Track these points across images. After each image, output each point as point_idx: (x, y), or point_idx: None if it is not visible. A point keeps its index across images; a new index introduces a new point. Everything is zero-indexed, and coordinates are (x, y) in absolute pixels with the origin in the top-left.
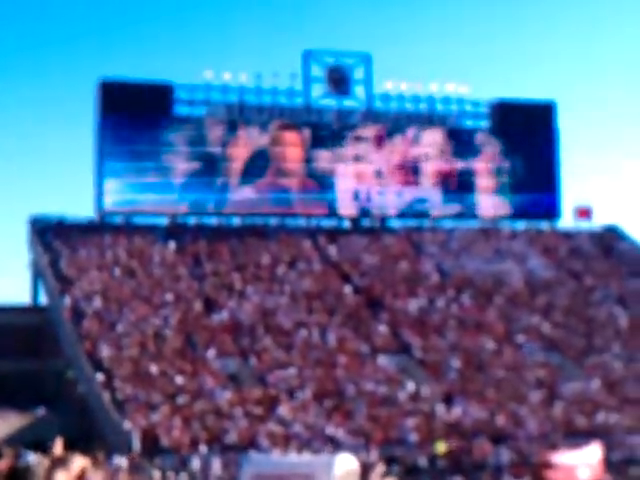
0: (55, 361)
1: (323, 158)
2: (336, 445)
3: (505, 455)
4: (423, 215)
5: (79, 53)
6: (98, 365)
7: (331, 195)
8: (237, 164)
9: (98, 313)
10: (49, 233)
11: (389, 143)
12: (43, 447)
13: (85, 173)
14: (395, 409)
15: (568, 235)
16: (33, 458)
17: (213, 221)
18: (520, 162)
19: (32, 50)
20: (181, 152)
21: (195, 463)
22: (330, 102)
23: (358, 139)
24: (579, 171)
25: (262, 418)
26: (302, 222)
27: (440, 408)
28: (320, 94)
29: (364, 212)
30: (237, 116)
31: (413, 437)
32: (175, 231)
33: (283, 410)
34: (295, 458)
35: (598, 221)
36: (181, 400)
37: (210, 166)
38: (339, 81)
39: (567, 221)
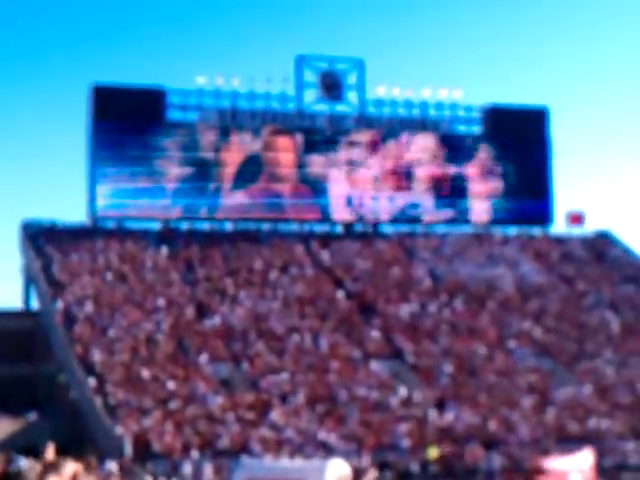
0: (47, 366)
1: (316, 163)
2: (328, 450)
3: (497, 460)
4: (416, 220)
5: (72, 58)
6: (90, 370)
7: (324, 200)
8: (230, 169)
9: (90, 318)
10: (41, 238)
11: (383, 148)
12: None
13: (77, 178)
14: (387, 414)
15: (560, 240)
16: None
17: (205, 226)
18: (512, 167)
19: (24, 55)
20: (174, 157)
21: (187, 468)
22: (323, 107)
23: (352, 144)
24: (571, 177)
25: (254, 423)
26: (295, 227)
27: (432, 413)
28: (313, 99)
29: (357, 217)
30: (230, 121)
31: (405, 442)
32: (167, 236)
33: (275, 415)
34: (287, 463)
35: (590, 227)
36: (173, 405)
37: (203, 171)
38: (332, 86)
39: (559, 226)
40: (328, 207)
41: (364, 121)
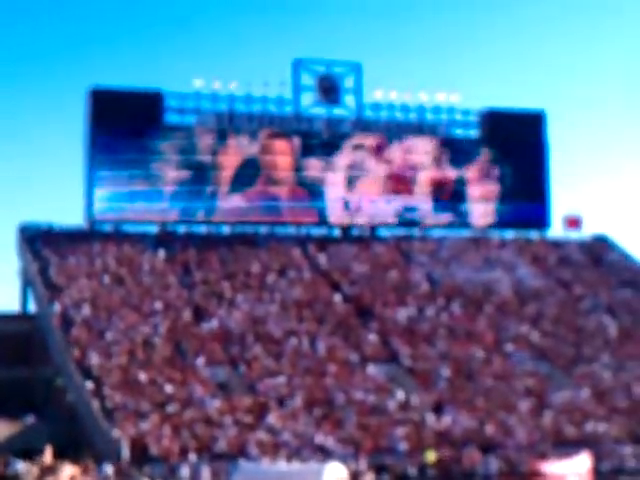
0: (44, 369)
1: (313, 166)
2: (326, 454)
3: (494, 464)
4: (415, 224)
5: (70, 61)
6: (87, 373)
7: (321, 203)
8: (227, 172)
9: (87, 321)
10: (38, 241)
11: (383, 152)
12: (32, 455)
13: (75, 181)
14: (385, 418)
15: (557, 244)
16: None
17: (203, 229)
18: (510, 171)
19: (22, 58)
20: (171, 160)
21: (184, 472)
22: (320, 111)
23: (357, 147)
24: (569, 180)
25: (252, 426)
26: (292, 230)
27: (430, 417)
28: (310, 103)
29: (354, 221)
30: (227, 124)
31: (403, 446)
32: (165, 239)
33: (272, 418)
34: (284, 467)
35: (587, 230)
36: (170, 408)
37: (200, 174)
38: (329, 90)
39: (557, 230)
40: (325, 210)
41: (361, 125)
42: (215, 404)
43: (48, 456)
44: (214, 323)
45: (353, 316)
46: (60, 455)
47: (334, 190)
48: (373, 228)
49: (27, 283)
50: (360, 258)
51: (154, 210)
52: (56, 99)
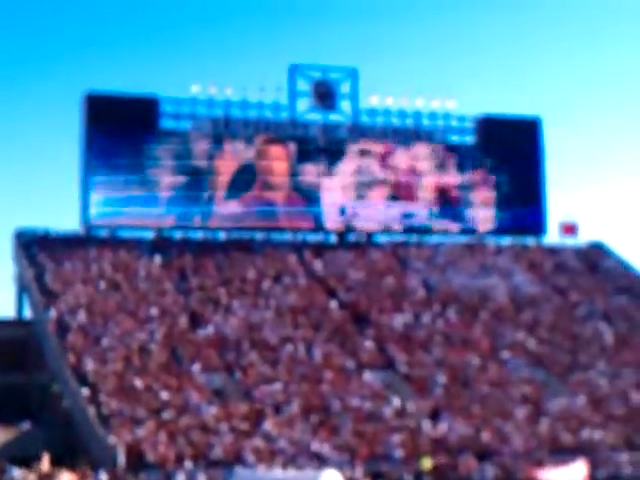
0: (40, 375)
1: (309, 172)
2: (322, 461)
3: (490, 471)
4: (419, 231)
5: (66, 66)
6: (83, 379)
7: (317, 209)
8: (223, 178)
9: (83, 327)
10: (34, 246)
11: (386, 158)
12: (28, 461)
13: (71, 186)
14: (381, 425)
15: (553, 251)
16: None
17: (199, 235)
18: (506, 177)
19: (18, 62)
20: (167, 166)
21: (180, 478)
22: (316, 116)
23: (358, 153)
24: (564, 187)
25: (247, 433)
26: (288, 237)
27: (426, 424)
28: (306, 108)
29: (349, 227)
30: (223, 130)
31: (399, 453)
32: (161, 245)
33: (269, 425)
34: (280, 474)
35: (584, 237)
36: (166, 415)
37: (196, 180)
38: (325, 95)
39: (553, 237)
40: (321, 216)
41: (357, 130)
42: (211, 411)
43: (45, 463)
44: (210, 329)
45: (349, 323)
46: (56, 461)
47: (331, 196)
48: (369, 234)
49: (23, 289)
50: (356, 264)
51: (150, 215)
52: (52, 104)
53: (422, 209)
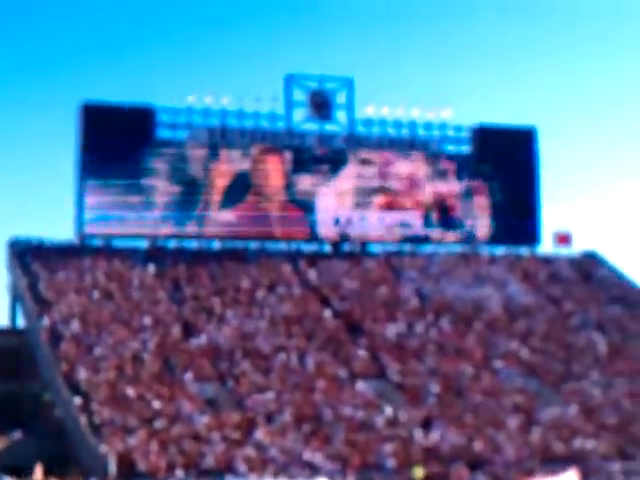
0: (32, 384)
1: (305, 182)
2: (313, 470)
3: None
4: (418, 240)
5: (62, 75)
6: (75, 388)
7: (312, 218)
8: (218, 188)
9: (76, 336)
10: (28, 255)
11: (384, 167)
12: (20, 470)
13: (66, 195)
14: (373, 434)
15: (547, 261)
16: None
17: (193, 245)
18: (501, 187)
19: (13, 72)
20: (162, 175)
21: None
22: (312, 126)
23: (357, 163)
24: (559, 197)
25: (239, 442)
26: (282, 246)
27: (418, 433)
28: (302, 118)
29: (343, 237)
30: (219, 139)
31: (391, 462)
32: (155, 254)
33: (260, 434)
34: None
35: (577, 247)
36: (158, 424)
37: (191, 189)
38: (321, 105)
39: (547, 247)
40: (316, 225)
41: (353, 140)
42: (203, 420)
43: (38, 473)
44: (203, 339)
45: (342, 332)
46: (48, 470)
47: (326, 205)
48: (363, 244)
49: (16, 298)
50: (350, 274)
51: (145, 225)
52: (48, 113)
53: (418, 219)
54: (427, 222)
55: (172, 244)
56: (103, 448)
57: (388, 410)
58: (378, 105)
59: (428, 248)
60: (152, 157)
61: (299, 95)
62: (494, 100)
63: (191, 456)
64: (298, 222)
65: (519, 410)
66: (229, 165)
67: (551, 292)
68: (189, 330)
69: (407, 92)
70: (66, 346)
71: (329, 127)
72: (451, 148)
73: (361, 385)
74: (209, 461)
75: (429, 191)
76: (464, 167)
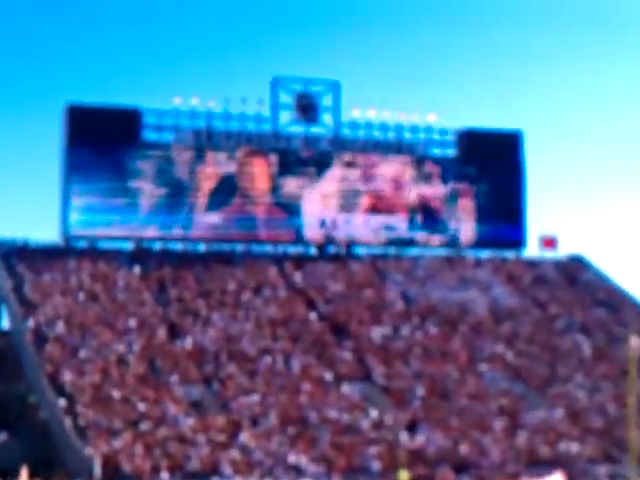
0: (17, 385)
1: (290, 185)
2: (299, 472)
3: None
4: (402, 243)
5: (47, 77)
6: (60, 390)
7: (297, 221)
8: (204, 190)
9: (61, 338)
10: (13, 257)
11: (368, 170)
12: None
13: (51, 197)
14: (358, 437)
15: (533, 264)
16: None
17: (178, 247)
18: (486, 191)
19: None
20: (148, 178)
21: None
22: (298, 129)
23: (341, 166)
24: (544, 200)
25: (225, 445)
26: (268, 249)
27: (403, 436)
28: (288, 121)
29: (329, 239)
30: (205, 142)
31: (376, 465)
32: (140, 256)
33: (246, 437)
34: None
35: (563, 250)
36: (143, 426)
37: (177, 192)
38: (307, 108)
39: (532, 250)
40: (301, 228)
41: (339, 143)
42: (188, 422)
43: (24, 475)
44: (188, 341)
45: (328, 334)
46: (32, 472)
47: (311, 208)
48: (349, 246)
49: (1, 299)
50: (336, 276)
51: (130, 227)
52: (33, 115)
53: (403, 221)
54: (412, 225)
55: (158, 246)
56: (88, 450)
57: (373, 413)
58: (364, 108)
59: (413, 251)
60: (138, 159)
61: (285, 98)
62: (480, 104)
63: (176, 458)
64: (284, 225)
65: (504, 413)
66: (215, 167)
67: (536, 295)
68: (174, 332)
69: (393, 95)
70: (51, 348)
71: (315, 130)
72: (437, 151)
73: (346, 388)
74: (194, 464)
75: (414, 194)
76: (449, 170)
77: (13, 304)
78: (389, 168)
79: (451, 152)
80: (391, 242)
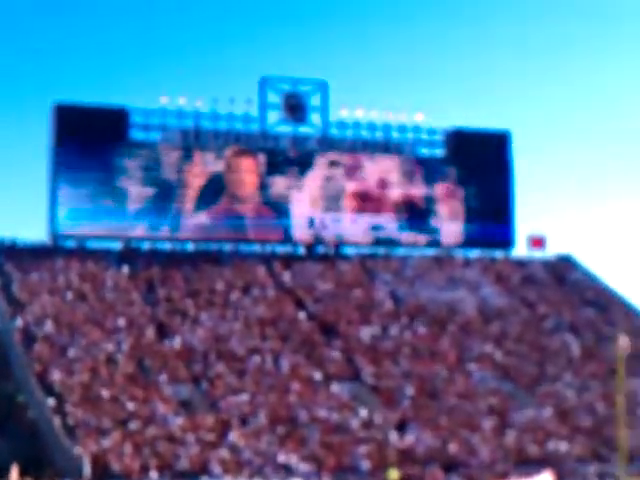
0: (6, 385)
1: (279, 184)
2: (288, 472)
3: None
4: (388, 243)
5: (34, 76)
6: (49, 389)
7: (286, 221)
8: (192, 190)
9: (49, 337)
10: (1, 256)
11: (354, 170)
12: None
13: (39, 196)
14: (348, 436)
15: (521, 264)
16: None
17: (167, 246)
18: (475, 190)
19: None
20: (136, 177)
21: None
22: (286, 129)
23: (327, 165)
24: (533, 200)
25: (214, 444)
26: (257, 248)
27: (393, 435)
28: (276, 120)
29: (317, 239)
30: (192, 141)
31: (365, 464)
32: (128, 256)
33: (235, 436)
34: None
35: (551, 250)
36: (132, 426)
37: (165, 191)
38: (295, 108)
39: (521, 250)
40: (290, 228)
41: (327, 143)
42: (177, 422)
43: (14, 475)
44: (177, 340)
45: (317, 334)
46: (21, 472)
47: (299, 208)
48: (337, 246)
49: None
50: (324, 276)
51: (118, 226)
52: (20, 114)
53: (390, 221)
54: (400, 225)
55: (146, 245)
56: (77, 450)
57: (363, 412)
58: (352, 108)
59: (401, 251)
60: (125, 158)
61: (273, 97)
62: (469, 104)
63: (165, 458)
64: (272, 224)
65: (493, 412)
66: (203, 167)
67: (525, 295)
68: (163, 332)
69: (381, 95)
70: (39, 347)
71: (303, 129)
72: (425, 151)
73: (336, 387)
74: (183, 463)
75: (401, 194)
76: (437, 170)
77: (1, 303)
78: (376, 168)
79: (439, 152)
80: (379, 242)
